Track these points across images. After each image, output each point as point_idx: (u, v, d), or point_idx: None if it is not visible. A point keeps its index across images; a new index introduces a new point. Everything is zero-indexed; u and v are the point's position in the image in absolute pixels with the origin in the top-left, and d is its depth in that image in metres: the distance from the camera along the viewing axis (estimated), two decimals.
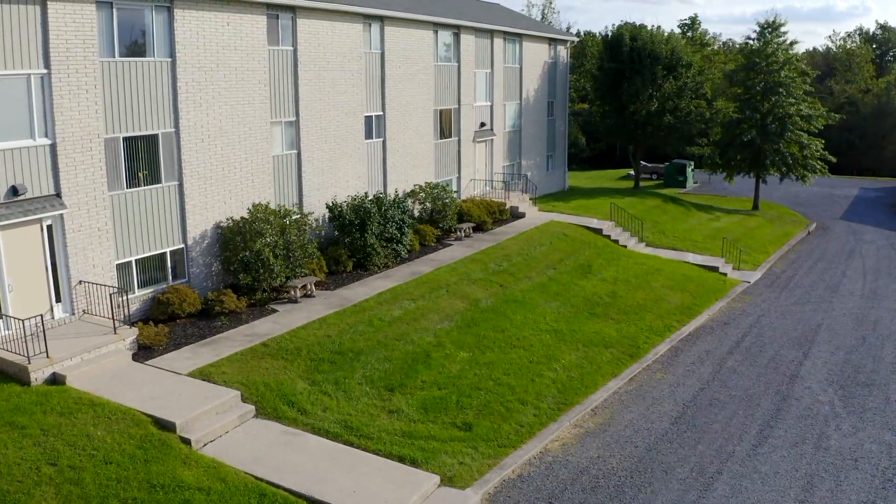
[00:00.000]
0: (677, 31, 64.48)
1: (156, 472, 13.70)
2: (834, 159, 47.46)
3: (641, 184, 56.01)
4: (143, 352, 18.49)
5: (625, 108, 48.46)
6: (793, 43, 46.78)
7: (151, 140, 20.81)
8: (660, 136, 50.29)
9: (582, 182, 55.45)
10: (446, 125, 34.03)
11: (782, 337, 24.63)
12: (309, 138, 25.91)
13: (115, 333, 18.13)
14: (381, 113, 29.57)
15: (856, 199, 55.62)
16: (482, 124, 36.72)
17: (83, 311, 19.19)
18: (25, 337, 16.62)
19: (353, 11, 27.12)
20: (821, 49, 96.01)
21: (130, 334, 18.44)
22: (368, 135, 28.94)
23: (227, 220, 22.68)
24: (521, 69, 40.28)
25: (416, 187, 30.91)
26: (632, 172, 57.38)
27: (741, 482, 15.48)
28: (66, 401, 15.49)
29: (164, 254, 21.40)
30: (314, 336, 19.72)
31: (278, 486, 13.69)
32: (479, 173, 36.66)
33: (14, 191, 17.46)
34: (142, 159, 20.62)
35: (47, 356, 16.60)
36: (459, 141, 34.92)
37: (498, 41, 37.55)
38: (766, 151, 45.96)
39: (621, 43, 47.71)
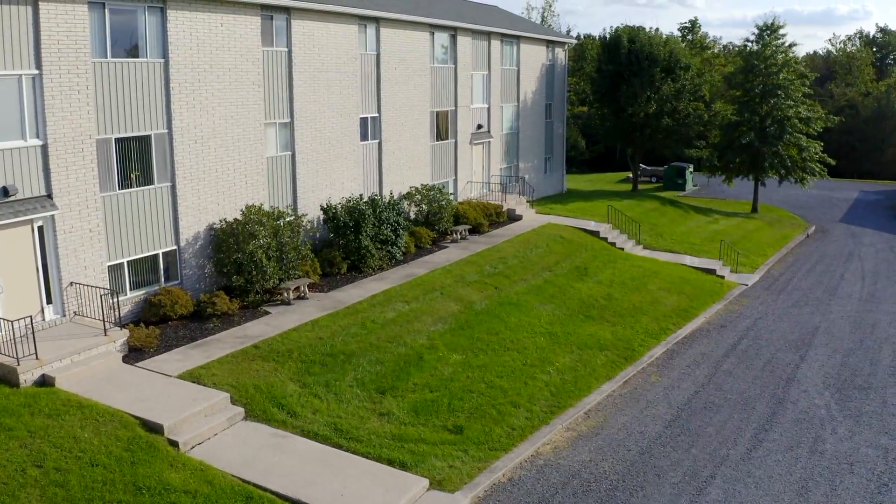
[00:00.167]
0: (677, 34, 64.36)
1: (142, 474, 13.58)
2: (833, 162, 47.40)
3: (641, 187, 55.91)
4: (134, 353, 18.38)
5: (623, 111, 48.43)
6: (791, 45, 46.76)
7: (144, 141, 20.72)
8: (658, 139, 50.21)
9: (581, 185, 55.35)
10: (443, 127, 33.94)
11: (779, 340, 24.50)
12: (303, 140, 25.82)
13: (106, 335, 18.01)
14: (377, 114, 29.48)
15: (855, 203, 55.51)
16: (479, 126, 36.63)
17: (74, 312, 19.08)
18: (15, 338, 16.53)
19: (349, 13, 27.04)
20: (821, 52, 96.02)
21: (121, 336, 18.32)
22: (364, 136, 28.85)
23: (221, 221, 22.58)
24: (518, 71, 40.19)
25: (412, 189, 30.81)
26: (631, 175, 57.24)
27: (735, 486, 15.32)
28: (55, 402, 15.37)
29: (157, 255, 21.30)
30: (306, 338, 19.61)
31: (265, 489, 13.58)
32: (475, 175, 36.56)
33: (5, 191, 17.37)
34: (134, 160, 20.52)
35: (36, 358, 16.48)
36: (456, 143, 34.82)
37: (495, 43, 37.47)
38: (765, 154, 45.89)
39: (619, 45, 47.67)
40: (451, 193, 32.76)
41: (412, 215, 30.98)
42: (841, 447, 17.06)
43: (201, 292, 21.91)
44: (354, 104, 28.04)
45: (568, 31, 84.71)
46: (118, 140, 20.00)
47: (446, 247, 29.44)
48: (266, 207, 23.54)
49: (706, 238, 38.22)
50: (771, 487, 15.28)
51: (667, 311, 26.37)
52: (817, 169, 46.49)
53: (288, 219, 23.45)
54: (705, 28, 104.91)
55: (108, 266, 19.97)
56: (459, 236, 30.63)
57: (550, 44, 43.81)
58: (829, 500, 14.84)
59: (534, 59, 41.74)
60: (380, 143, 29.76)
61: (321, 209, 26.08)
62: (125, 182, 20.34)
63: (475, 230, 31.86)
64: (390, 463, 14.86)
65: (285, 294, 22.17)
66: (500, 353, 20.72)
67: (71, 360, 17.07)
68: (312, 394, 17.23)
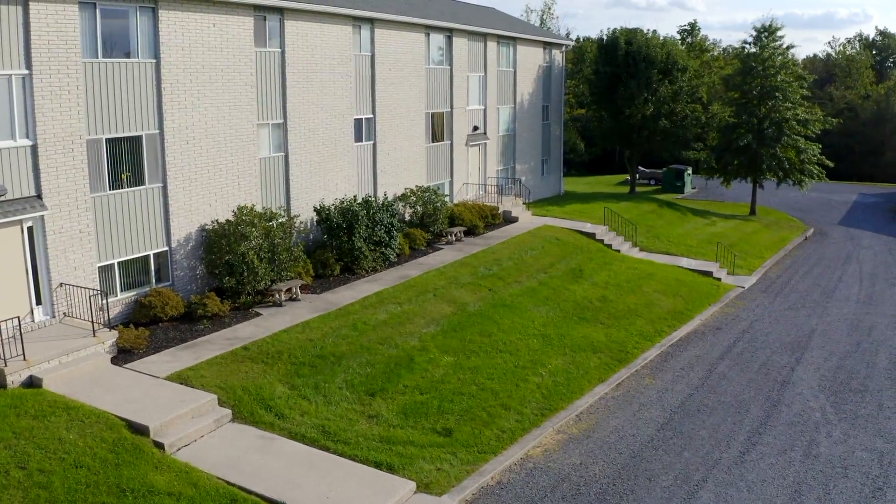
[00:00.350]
0: (677, 37, 64.25)
1: (126, 476, 13.46)
2: (831, 164, 47.27)
3: (640, 189, 55.82)
4: (123, 355, 18.28)
5: (620, 113, 48.35)
6: (789, 47, 46.63)
7: (135, 141, 20.63)
8: (656, 141, 50.13)
9: (580, 187, 55.25)
10: (438, 128, 33.84)
11: (775, 342, 24.35)
12: (297, 141, 25.72)
13: (95, 336, 17.91)
14: (372, 116, 29.38)
15: (854, 205, 55.36)
16: (475, 128, 36.53)
17: (64, 313, 18.99)
18: (3, 339, 16.41)
19: (343, 13, 26.95)
20: (821, 56, 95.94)
21: (110, 337, 18.22)
22: (358, 137, 28.74)
23: (213, 222, 22.48)
24: (515, 73, 40.09)
25: (407, 191, 30.69)
26: (629, 178, 57.14)
27: (727, 490, 15.18)
28: (41, 404, 15.27)
29: (148, 256, 21.20)
30: (296, 340, 19.49)
31: (250, 492, 13.45)
32: (472, 177, 36.45)
33: None
34: (125, 161, 20.43)
35: (24, 359, 16.39)
36: (452, 144, 34.71)
37: (491, 44, 37.37)
38: (763, 156, 45.76)
39: (616, 47, 47.62)
40: (446, 195, 32.63)
41: (407, 217, 30.87)
42: (835, 450, 16.91)
43: (193, 294, 21.80)
44: (349, 105, 27.95)
45: (567, 34, 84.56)
46: (109, 140, 19.92)
47: (441, 248, 29.33)
48: (258, 209, 23.42)
49: (703, 240, 38.07)
50: (763, 491, 15.14)
51: (662, 314, 26.23)
52: (815, 171, 46.36)
53: (280, 220, 23.34)
54: (707, 31, 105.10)
55: (99, 267, 19.88)
56: (454, 238, 30.51)
57: (547, 45, 43.71)
58: None
59: (531, 60, 41.64)
60: (374, 145, 29.66)
61: (314, 210, 25.96)
62: (116, 183, 20.25)
63: (470, 232, 31.74)
64: (377, 465, 14.74)
65: (277, 295, 22.06)
66: (493, 355, 20.59)
67: (59, 362, 16.97)
68: (301, 396, 17.11)
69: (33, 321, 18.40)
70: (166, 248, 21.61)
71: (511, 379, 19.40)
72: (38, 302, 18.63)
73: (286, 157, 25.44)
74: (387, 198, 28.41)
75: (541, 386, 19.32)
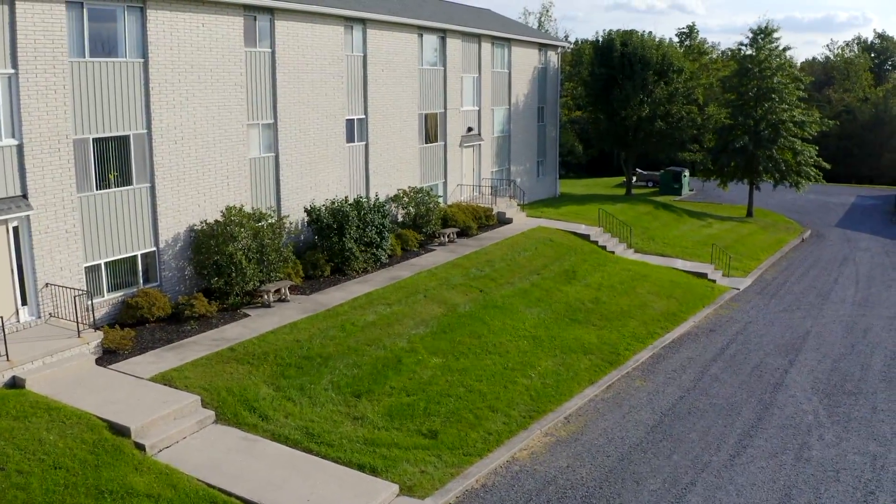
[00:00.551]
0: (675, 39, 64.04)
1: (105, 478, 13.31)
2: (828, 166, 47.12)
3: (638, 192, 55.66)
4: (108, 356, 18.14)
5: (616, 114, 48.23)
6: (785, 49, 46.49)
7: (123, 141, 20.50)
8: (651, 143, 49.99)
9: (577, 189, 55.10)
10: (432, 129, 33.69)
11: (769, 344, 24.19)
12: (287, 141, 25.58)
13: (80, 337, 17.77)
14: (364, 116, 29.24)
15: (852, 207, 55.20)
16: (469, 129, 36.39)
17: (50, 314, 18.84)
18: None
19: (334, 14, 26.83)
20: (820, 59, 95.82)
21: (95, 338, 18.08)
22: (350, 138, 28.61)
23: (202, 223, 22.33)
24: (509, 74, 39.94)
25: (400, 192, 30.55)
26: (626, 180, 56.96)
27: (715, 494, 15.00)
28: (23, 405, 15.13)
29: (135, 257, 21.06)
30: (283, 341, 19.33)
31: (230, 494, 13.31)
32: (466, 178, 36.31)
33: None
34: (112, 161, 20.31)
35: (7, 359, 16.27)
36: (446, 146, 34.56)
37: (486, 45, 37.24)
38: (759, 158, 45.62)
39: (612, 48, 47.54)
40: (439, 196, 32.50)
41: (399, 218, 30.72)
42: (827, 454, 16.73)
43: (181, 294, 21.66)
44: (340, 106, 27.81)
45: (566, 37, 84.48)
46: (96, 140, 19.81)
47: (433, 249, 29.18)
48: (248, 209, 23.27)
49: (699, 242, 37.90)
50: (753, 495, 14.97)
51: (655, 315, 26.07)
52: (812, 173, 46.21)
53: (270, 221, 23.19)
54: (707, 35, 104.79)
55: (85, 267, 19.75)
56: (447, 239, 30.35)
57: (543, 47, 43.57)
58: None
59: (526, 62, 41.50)
60: (366, 145, 29.51)
61: (305, 211, 25.81)
62: (103, 182, 20.13)
63: (464, 233, 31.58)
64: (361, 468, 14.58)
65: (265, 296, 21.90)
66: (482, 357, 20.43)
67: (43, 362, 16.84)
68: (286, 397, 16.94)
69: (18, 322, 18.26)
70: (154, 249, 21.47)
71: (499, 381, 19.23)
72: (24, 302, 18.49)
73: (276, 157, 25.31)
74: (378, 198, 28.27)
75: (529, 388, 19.15)
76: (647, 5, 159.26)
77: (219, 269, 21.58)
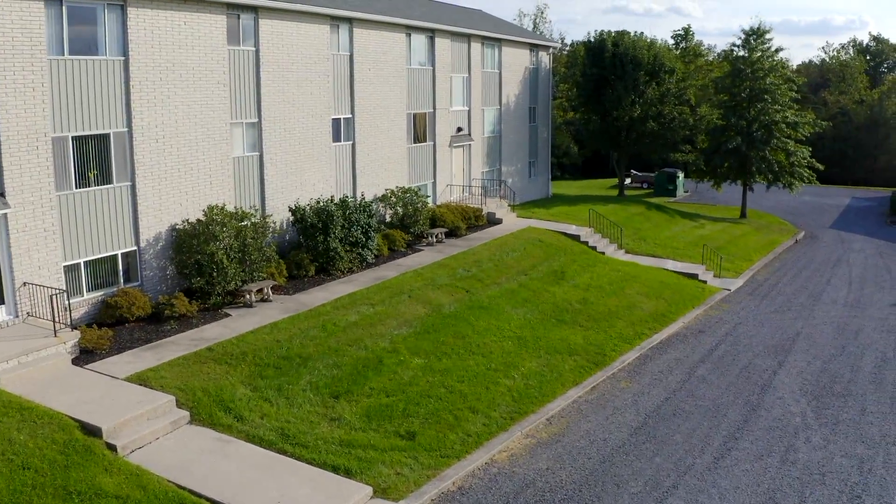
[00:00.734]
0: (671, 42, 63.90)
1: (74, 478, 13.08)
2: (821, 167, 47.00)
3: (633, 193, 55.50)
4: (85, 355, 17.92)
5: (608, 114, 48.10)
6: (778, 50, 46.34)
7: (103, 139, 20.31)
8: (644, 143, 49.86)
9: (571, 190, 54.90)
10: (421, 129, 33.48)
11: (758, 345, 23.97)
12: (272, 140, 25.37)
13: (56, 336, 17.54)
14: (351, 115, 29.02)
15: (847, 209, 55.03)
16: (459, 129, 36.18)
17: (28, 313, 18.62)
18: None
19: (319, 13, 26.62)
20: (816, 62, 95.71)
21: (72, 337, 17.86)
22: (336, 137, 28.39)
23: (183, 222, 22.11)
24: (500, 74, 39.73)
25: (388, 192, 30.34)
26: (621, 181, 56.75)
27: (697, 497, 14.72)
28: None
29: (116, 256, 20.84)
30: (262, 341, 19.09)
31: (199, 495, 13.07)
32: (456, 179, 36.08)
33: None
34: (92, 159, 20.12)
35: None
36: (435, 146, 34.34)
37: (475, 45, 37.04)
38: (752, 159, 45.48)
39: (603, 49, 47.44)
40: (427, 196, 32.29)
41: (387, 218, 30.51)
42: (814, 456, 16.46)
43: (163, 294, 21.43)
44: (326, 105, 27.60)
45: (562, 39, 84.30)
46: (75, 138, 19.61)
47: (421, 250, 28.96)
48: (230, 208, 23.04)
49: (690, 243, 37.69)
50: (736, 498, 14.68)
51: (644, 316, 25.85)
52: (806, 174, 46.08)
53: (253, 220, 22.97)
54: (704, 37, 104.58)
55: (64, 266, 19.53)
56: (435, 239, 30.13)
57: (534, 47, 43.38)
58: None
59: (517, 62, 41.29)
60: (353, 145, 29.30)
61: (289, 211, 25.59)
62: (83, 181, 19.93)
63: (452, 233, 31.36)
64: (335, 470, 14.33)
65: (247, 296, 21.68)
66: (465, 358, 20.18)
67: (18, 362, 16.61)
68: (263, 398, 16.71)
69: None
70: (135, 248, 21.26)
71: (482, 381, 18.99)
72: (1, 301, 18.27)
73: (261, 156, 25.09)
74: (364, 198, 28.04)
75: (512, 389, 18.91)
76: (645, 8, 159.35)
77: (200, 268, 21.36)
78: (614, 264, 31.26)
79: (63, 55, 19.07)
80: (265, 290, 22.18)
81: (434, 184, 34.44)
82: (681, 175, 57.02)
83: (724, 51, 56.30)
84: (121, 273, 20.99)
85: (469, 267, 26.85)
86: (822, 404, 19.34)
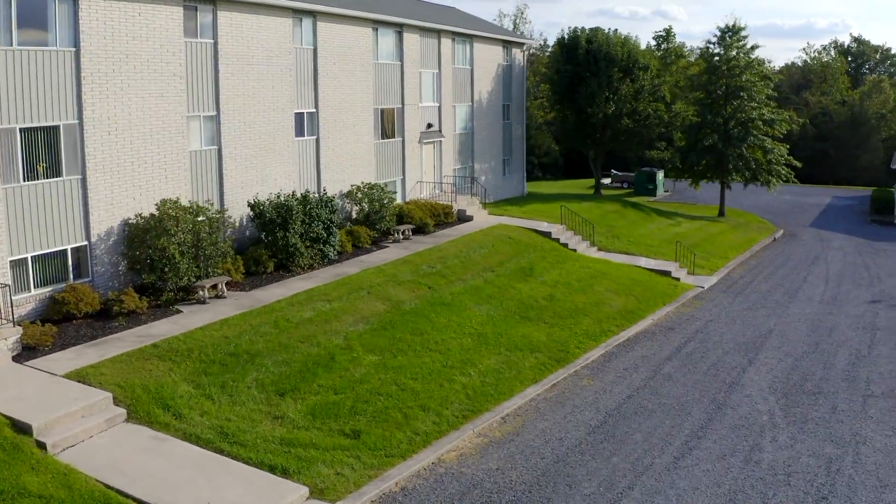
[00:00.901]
0: (652, 43, 63.66)
1: None
2: (799, 164, 46.80)
3: (610, 192, 55.11)
4: (27, 352, 17.41)
5: (582, 112, 47.76)
6: (753, 47, 46.16)
7: (52, 131, 19.79)
8: (619, 141, 49.58)
9: (548, 189, 54.52)
10: (389, 125, 33.00)
11: (728, 343, 23.61)
12: (231, 134, 24.85)
13: None
14: (314, 110, 28.51)
15: (827, 208, 54.90)
16: (429, 125, 35.70)
17: None
18: None
19: (281, 5, 26.10)
20: (798, 63, 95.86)
21: (13, 334, 17.35)
22: (300, 132, 27.88)
23: (136, 216, 21.58)
24: (472, 71, 39.23)
25: (353, 188, 29.86)
26: (604, 181, 56.47)
27: (653, 498, 14.22)
28: None
29: (65, 251, 20.29)
30: (210, 337, 18.57)
31: (127, 496, 12.58)
32: (426, 175, 35.58)
33: None
34: (41, 151, 19.59)
35: None
36: (404, 142, 33.84)
37: (446, 41, 36.57)
38: (729, 157, 45.21)
39: (577, 45, 47.17)
40: (394, 193, 31.81)
41: (354, 214, 30.02)
42: (779, 456, 15.96)
43: (114, 290, 20.89)
44: (289, 99, 27.09)
45: (545, 41, 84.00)
46: (23, 130, 19.09)
47: (386, 246, 28.49)
48: (185, 202, 22.49)
49: (665, 240, 37.32)
50: (695, 500, 14.18)
51: (611, 313, 25.46)
52: (784, 172, 45.85)
53: (209, 214, 22.44)
54: (688, 40, 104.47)
55: (11, 261, 18.97)
56: (402, 236, 29.67)
57: (508, 44, 42.95)
58: None
59: (489, 58, 40.83)
60: (317, 140, 28.78)
61: (249, 206, 25.07)
62: (31, 174, 19.39)
63: (420, 230, 30.89)
64: (272, 469, 13.85)
65: (201, 292, 21.17)
66: (421, 354, 19.72)
67: None
68: (205, 395, 16.20)
69: None
70: (85, 243, 20.72)
71: (436, 379, 18.53)
72: None
73: (220, 150, 24.57)
74: (325, 193, 27.52)
75: (467, 386, 18.46)
76: (630, 12, 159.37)
77: (152, 263, 20.84)
78: (585, 261, 30.88)
79: (11, 45, 18.57)
80: (220, 287, 21.67)
81: (403, 180, 33.96)
82: (661, 174, 56.71)
83: (700, 48, 56.13)
84: (71, 268, 20.44)
85: (434, 263, 26.39)
86: (791, 402, 18.92)
